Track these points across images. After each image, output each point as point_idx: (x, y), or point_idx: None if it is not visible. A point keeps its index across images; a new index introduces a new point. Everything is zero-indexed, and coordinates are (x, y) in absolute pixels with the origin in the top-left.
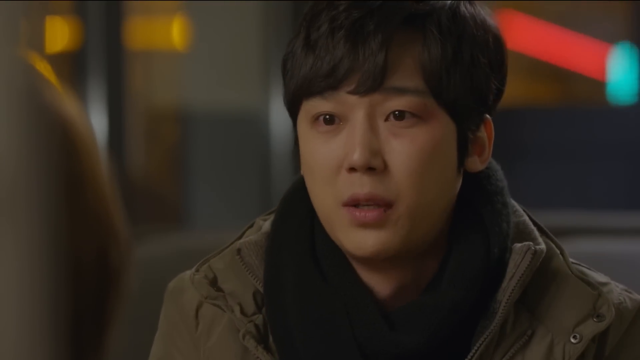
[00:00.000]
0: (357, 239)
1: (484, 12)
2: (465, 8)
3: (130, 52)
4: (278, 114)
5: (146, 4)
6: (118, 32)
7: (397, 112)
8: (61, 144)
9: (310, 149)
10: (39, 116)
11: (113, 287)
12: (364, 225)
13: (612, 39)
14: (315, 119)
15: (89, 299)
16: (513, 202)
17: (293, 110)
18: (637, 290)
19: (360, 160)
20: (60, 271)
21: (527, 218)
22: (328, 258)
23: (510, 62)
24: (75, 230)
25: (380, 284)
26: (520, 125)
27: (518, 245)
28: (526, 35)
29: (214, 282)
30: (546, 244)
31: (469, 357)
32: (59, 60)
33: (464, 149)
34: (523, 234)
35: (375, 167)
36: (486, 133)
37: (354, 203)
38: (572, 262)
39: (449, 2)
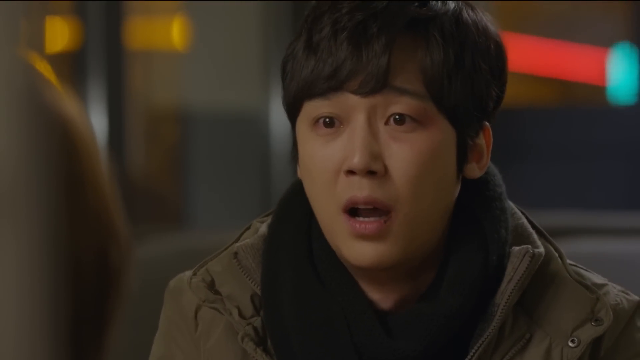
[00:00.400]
0: (356, 250)
1: (486, 19)
2: (467, 14)
3: (130, 52)
4: (278, 114)
5: (146, 4)
6: (118, 32)
7: (397, 117)
8: (61, 144)
9: (310, 152)
10: (39, 116)
11: (113, 287)
12: (363, 237)
13: (610, 42)
14: (315, 121)
15: (89, 299)
16: (512, 204)
17: (292, 112)
18: (637, 290)
19: (361, 164)
20: (60, 271)
21: (525, 221)
22: (325, 262)
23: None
24: (75, 230)
25: (378, 291)
26: (520, 126)
27: (516, 248)
28: (523, 55)
29: (211, 286)
30: (545, 247)
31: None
32: (59, 60)
33: (463, 155)
34: (521, 237)
35: (375, 170)
36: (485, 140)
37: (353, 206)
38: (570, 264)
39: (452, 7)
